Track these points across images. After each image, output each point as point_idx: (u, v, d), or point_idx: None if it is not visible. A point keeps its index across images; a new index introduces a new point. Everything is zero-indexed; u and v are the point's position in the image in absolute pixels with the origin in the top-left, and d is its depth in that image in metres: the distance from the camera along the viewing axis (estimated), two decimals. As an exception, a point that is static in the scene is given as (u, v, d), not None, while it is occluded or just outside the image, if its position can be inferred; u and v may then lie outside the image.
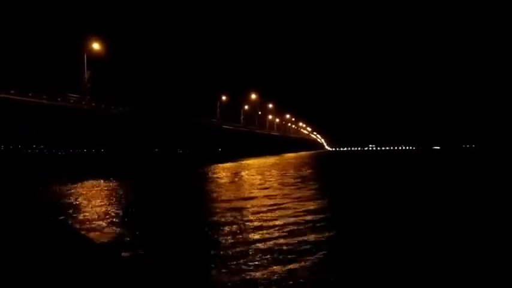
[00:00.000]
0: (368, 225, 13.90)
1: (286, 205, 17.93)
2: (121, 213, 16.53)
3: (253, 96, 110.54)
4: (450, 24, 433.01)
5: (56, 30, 51.96)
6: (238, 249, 10.76)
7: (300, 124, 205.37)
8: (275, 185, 27.81)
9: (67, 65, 50.95)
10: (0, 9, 44.73)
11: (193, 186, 29.80)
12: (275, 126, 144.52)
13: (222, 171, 43.71)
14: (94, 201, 19.95)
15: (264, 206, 17.91)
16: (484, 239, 11.87)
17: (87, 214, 16.33)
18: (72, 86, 49.57)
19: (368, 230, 13.20)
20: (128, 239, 12.06)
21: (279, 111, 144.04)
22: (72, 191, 24.45)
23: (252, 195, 22.17)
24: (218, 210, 17.20)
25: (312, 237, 11.89)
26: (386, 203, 19.39)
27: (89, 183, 29.11)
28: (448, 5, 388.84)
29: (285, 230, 12.88)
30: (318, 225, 13.68)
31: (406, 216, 15.72)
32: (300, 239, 11.69)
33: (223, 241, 11.77)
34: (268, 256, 10.01)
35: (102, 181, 30.49)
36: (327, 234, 12.37)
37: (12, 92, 40.56)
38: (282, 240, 11.55)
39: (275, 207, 17.52)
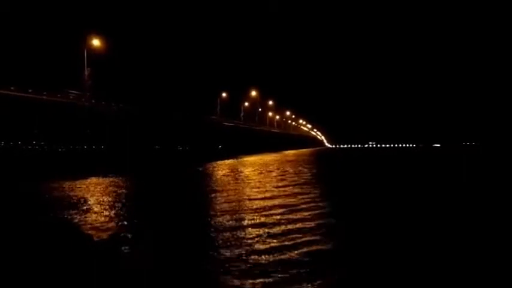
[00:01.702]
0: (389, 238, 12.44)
1: (291, 216, 15.99)
2: (120, 210, 16.57)
3: (253, 93, 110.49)
4: (450, 23, 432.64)
5: (57, 26, 51.94)
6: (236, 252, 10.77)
7: (300, 121, 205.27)
8: (276, 183, 27.85)
9: (68, 62, 50.92)
10: (1, 6, 44.69)
11: (192, 185, 29.80)
12: (275, 123, 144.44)
13: (222, 169, 43.71)
14: (94, 198, 20.00)
15: (267, 215, 17.58)
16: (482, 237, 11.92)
17: (86, 211, 16.36)
18: (72, 83, 49.60)
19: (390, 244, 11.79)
20: (127, 235, 12.09)
21: (279, 108, 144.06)
22: (72, 187, 24.48)
23: (252, 196, 22.21)
24: (215, 212, 17.23)
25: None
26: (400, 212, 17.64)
27: (89, 179, 29.14)
28: (448, 4, 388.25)
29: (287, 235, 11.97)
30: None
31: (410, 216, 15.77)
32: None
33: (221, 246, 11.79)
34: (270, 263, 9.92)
35: (102, 178, 30.52)
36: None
37: (12, 88, 40.56)
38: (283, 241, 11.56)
39: (277, 214, 17.05)
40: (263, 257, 9.79)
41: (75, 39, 50.13)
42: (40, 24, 50.58)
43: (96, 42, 50.71)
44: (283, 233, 12.14)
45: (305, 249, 10.36)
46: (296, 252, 10.16)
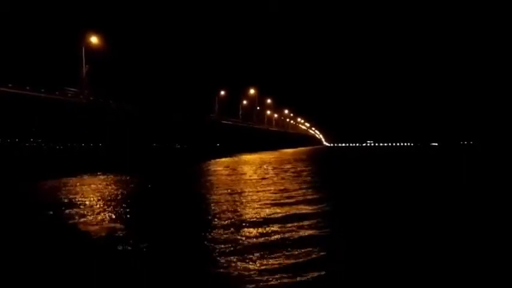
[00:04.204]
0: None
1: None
2: (117, 209, 16.60)
3: (252, 91, 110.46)
4: (448, 22, 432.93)
5: (56, 24, 51.86)
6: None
7: (299, 120, 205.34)
8: (275, 179, 27.92)
9: (67, 60, 50.88)
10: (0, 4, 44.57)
11: (190, 183, 29.81)
12: (273, 121, 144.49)
13: (219, 167, 43.78)
14: (91, 196, 20.01)
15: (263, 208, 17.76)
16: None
17: (84, 209, 16.38)
18: (71, 81, 49.56)
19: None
20: (124, 233, 12.11)
21: (277, 107, 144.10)
22: (70, 185, 24.49)
23: (246, 192, 22.26)
24: (211, 208, 17.28)
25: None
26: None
27: (86, 177, 29.15)
28: (448, 4, 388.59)
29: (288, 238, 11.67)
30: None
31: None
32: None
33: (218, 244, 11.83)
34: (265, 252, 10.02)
35: (99, 176, 30.54)
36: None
37: (9, 85, 40.47)
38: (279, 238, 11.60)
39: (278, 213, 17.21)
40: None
41: (74, 38, 50.09)
42: (38, 21, 50.53)
43: (94, 39, 50.61)
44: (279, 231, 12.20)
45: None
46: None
